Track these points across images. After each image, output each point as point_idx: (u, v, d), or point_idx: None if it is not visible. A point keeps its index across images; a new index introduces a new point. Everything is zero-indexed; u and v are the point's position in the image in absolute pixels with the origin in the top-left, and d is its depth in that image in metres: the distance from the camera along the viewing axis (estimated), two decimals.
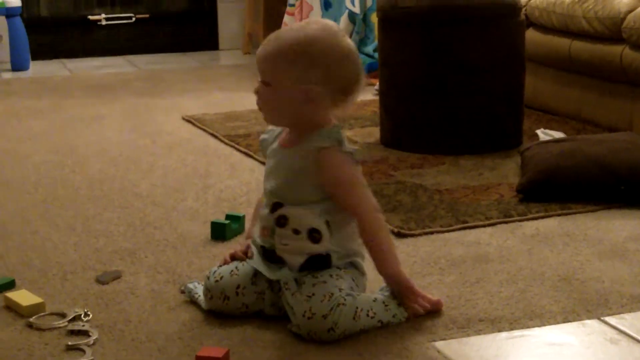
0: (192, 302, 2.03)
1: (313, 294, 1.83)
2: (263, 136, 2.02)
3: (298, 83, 1.85)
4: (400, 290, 1.92)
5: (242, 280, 1.94)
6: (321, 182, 1.88)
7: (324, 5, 4.94)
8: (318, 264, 1.88)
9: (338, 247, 1.90)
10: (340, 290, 1.84)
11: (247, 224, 2.52)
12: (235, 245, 2.38)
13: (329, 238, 1.88)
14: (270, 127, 2.01)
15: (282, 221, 1.88)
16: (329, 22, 1.93)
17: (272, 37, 1.91)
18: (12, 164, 3.31)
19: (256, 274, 1.95)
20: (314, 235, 1.87)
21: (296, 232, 1.87)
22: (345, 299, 1.82)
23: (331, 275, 1.87)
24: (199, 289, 2.03)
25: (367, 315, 1.85)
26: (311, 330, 1.81)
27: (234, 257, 2.00)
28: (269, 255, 1.93)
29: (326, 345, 1.80)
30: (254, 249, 1.98)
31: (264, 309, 1.95)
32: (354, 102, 1.92)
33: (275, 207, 1.90)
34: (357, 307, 1.83)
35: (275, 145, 1.97)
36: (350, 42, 1.91)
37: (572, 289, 2.08)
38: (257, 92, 1.90)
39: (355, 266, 1.94)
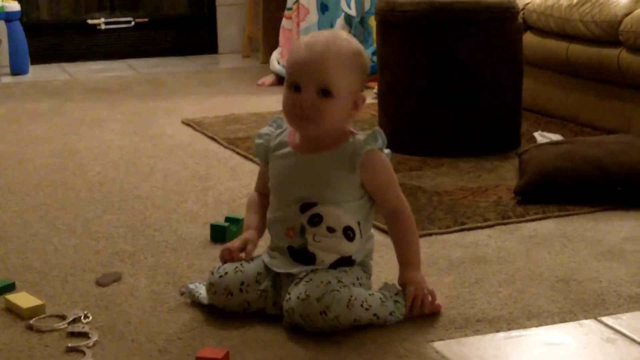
0: (193, 302, 2.04)
1: (311, 279, 1.86)
2: (258, 141, 2.03)
3: (352, 93, 1.91)
4: (414, 289, 1.94)
5: (246, 277, 1.96)
6: (369, 182, 1.93)
7: (320, 8, 4.94)
8: (345, 263, 1.93)
9: (361, 247, 1.95)
10: (338, 281, 1.87)
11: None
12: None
13: (360, 238, 1.93)
14: (264, 131, 2.03)
15: (315, 219, 1.91)
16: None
17: (326, 45, 1.89)
18: (13, 167, 3.32)
19: (260, 272, 1.96)
20: (348, 233, 1.91)
21: (331, 230, 1.90)
22: (340, 288, 1.85)
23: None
24: (199, 288, 2.04)
25: (362, 305, 1.86)
26: (304, 312, 1.83)
27: (228, 256, 2.00)
28: (299, 254, 1.93)
29: (325, 345, 1.81)
30: (266, 257, 1.98)
31: (265, 308, 1.96)
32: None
33: (305, 207, 1.91)
34: (351, 296, 1.85)
35: (285, 150, 1.97)
36: None
37: (570, 289, 2.09)
38: (306, 102, 1.87)
39: (363, 266, 1.97)
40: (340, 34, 1.95)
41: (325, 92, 1.88)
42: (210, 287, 1.97)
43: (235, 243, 2.02)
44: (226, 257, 2.00)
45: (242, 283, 1.95)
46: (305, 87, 1.88)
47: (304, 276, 1.89)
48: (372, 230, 2.02)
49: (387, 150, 1.97)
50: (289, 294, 1.88)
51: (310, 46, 1.90)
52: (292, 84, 1.90)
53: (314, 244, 1.91)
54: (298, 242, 1.93)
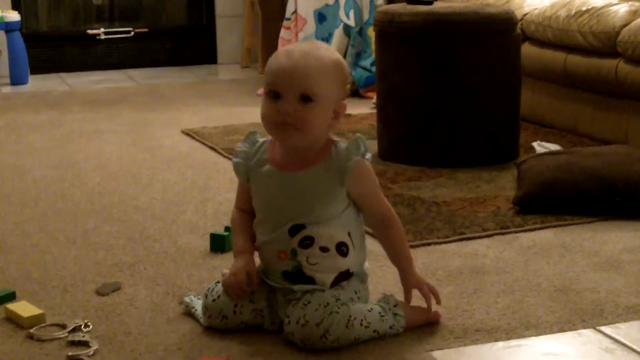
0: (190, 314, 2.04)
1: (309, 302, 1.85)
2: (237, 160, 1.96)
3: (333, 101, 1.87)
4: (426, 287, 1.97)
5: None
6: (356, 193, 1.90)
7: (317, 18, 4.96)
8: (344, 277, 1.92)
9: (356, 257, 1.94)
10: (337, 300, 1.86)
11: None
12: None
13: (353, 249, 1.92)
14: (240, 148, 1.97)
15: (307, 242, 1.88)
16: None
17: (301, 51, 1.86)
18: (12, 178, 3.32)
19: (254, 292, 1.95)
20: (342, 249, 1.90)
21: (324, 249, 1.88)
22: (339, 308, 1.84)
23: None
24: (195, 303, 2.03)
25: (361, 324, 1.86)
26: (304, 337, 1.83)
27: (239, 290, 1.93)
28: (295, 277, 1.91)
29: (324, 356, 1.82)
30: (263, 274, 1.97)
31: (263, 325, 1.95)
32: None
33: (294, 229, 1.89)
34: (350, 316, 1.85)
35: (267, 168, 1.92)
36: None
37: (568, 299, 2.09)
38: (287, 109, 1.82)
39: (359, 276, 1.97)
40: (320, 45, 1.92)
41: (306, 98, 1.82)
42: (205, 310, 1.96)
43: (240, 277, 1.93)
44: (235, 292, 1.94)
45: (236, 305, 1.94)
46: (285, 94, 1.83)
47: (301, 296, 1.88)
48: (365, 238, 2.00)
49: (368, 155, 1.91)
50: (288, 317, 1.86)
51: (290, 53, 1.86)
52: (272, 92, 1.85)
53: (309, 267, 1.89)
54: (290, 264, 1.90)
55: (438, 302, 1.98)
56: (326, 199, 1.89)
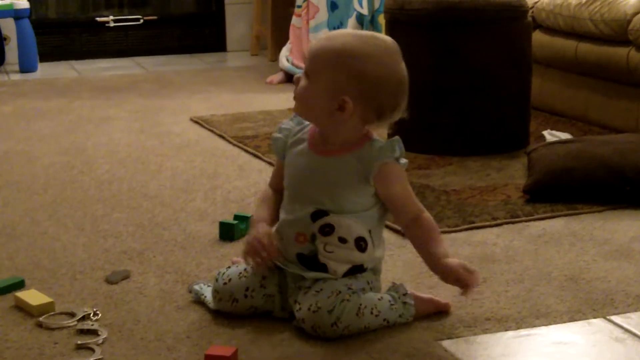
0: (199, 302, 2.04)
1: (322, 289, 1.85)
2: (277, 135, 1.99)
3: (335, 89, 1.84)
4: (457, 277, 1.89)
5: (251, 282, 1.95)
6: (384, 194, 1.89)
7: (330, 6, 4.95)
8: (357, 270, 1.91)
9: (373, 254, 1.93)
10: (349, 288, 1.86)
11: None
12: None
13: (372, 247, 1.91)
14: (284, 125, 1.99)
15: (327, 229, 1.88)
16: (392, 44, 1.90)
17: (332, 34, 1.91)
18: (21, 165, 3.32)
19: (265, 276, 1.95)
20: (361, 244, 1.89)
21: (343, 240, 1.87)
22: (350, 296, 1.84)
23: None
24: (204, 290, 2.03)
25: (371, 313, 1.86)
26: (315, 324, 1.83)
27: (255, 249, 1.90)
28: (309, 261, 1.91)
29: (333, 345, 1.82)
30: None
31: (273, 311, 1.95)
32: (387, 124, 1.93)
33: (317, 215, 1.89)
34: (360, 304, 1.85)
35: (302, 147, 1.94)
36: (404, 70, 1.90)
37: (578, 288, 2.09)
38: (297, 79, 1.89)
39: (373, 270, 1.96)
40: (356, 36, 1.88)
41: (307, 75, 1.87)
42: (215, 294, 1.96)
43: (263, 239, 1.90)
44: (257, 255, 1.91)
45: (247, 288, 1.94)
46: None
47: (313, 284, 1.88)
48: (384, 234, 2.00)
49: (403, 160, 1.92)
50: (300, 303, 1.87)
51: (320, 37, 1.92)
52: None
53: (325, 254, 1.89)
54: (308, 248, 1.90)
55: (471, 284, 1.88)
56: (349, 190, 1.88)
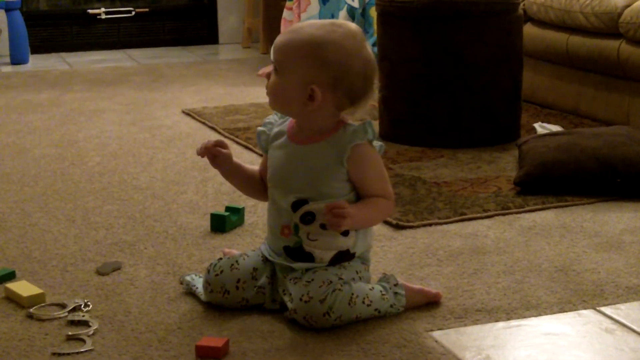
0: (191, 293, 2.04)
1: (312, 279, 1.86)
2: (260, 129, 2.01)
3: (303, 80, 1.85)
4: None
5: (242, 274, 1.95)
6: (354, 175, 1.89)
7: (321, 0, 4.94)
8: (344, 257, 1.92)
9: (359, 240, 1.93)
10: (339, 278, 1.86)
11: (247, 216, 2.55)
12: (235, 237, 2.41)
13: (355, 230, 1.91)
14: (268, 119, 2.02)
15: (308, 218, 1.89)
16: (355, 29, 1.90)
17: (294, 27, 1.91)
18: (12, 157, 3.32)
19: (256, 268, 1.96)
20: None
21: (324, 227, 1.88)
22: (342, 286, 1.85)
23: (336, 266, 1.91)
24: (196, 281, 2.04)
25: (363, 302, 1.86)
26: (307, 314, 1.83)
27: (204, 150, 2.01)
28: (295, 253, 1.92)
29: (324, 336, 1.82)
30: (264, 247, 1.98)
31: (264, 304, 1.96)
32: (362, 109, 1.93)
33: (297, 204, 1.90)
34: (352, 294, 1.85)
35: (282, 140, 1.96)
36: (369, 54, 1.89)
37: (568, 280, 2.09)
38: (267, 75, 1.92)
39: (362, 259, 1.96)
40: (336, 27, 1.88)
41: (275, 69, 1.90)
42: (207, 285, 1.97)
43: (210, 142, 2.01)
44: (203, 152, 2.02)
45: (238, 280, 1.95)
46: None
47: (304, 274, 1.89)
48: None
49: (378, 143, 1.93)
50: (291, 294, 1.88)
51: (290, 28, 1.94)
52: None
53: (309, 243, 1.90)
54: (293, 240, 1.91)
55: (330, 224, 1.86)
56: (326, 176, 1.89)
